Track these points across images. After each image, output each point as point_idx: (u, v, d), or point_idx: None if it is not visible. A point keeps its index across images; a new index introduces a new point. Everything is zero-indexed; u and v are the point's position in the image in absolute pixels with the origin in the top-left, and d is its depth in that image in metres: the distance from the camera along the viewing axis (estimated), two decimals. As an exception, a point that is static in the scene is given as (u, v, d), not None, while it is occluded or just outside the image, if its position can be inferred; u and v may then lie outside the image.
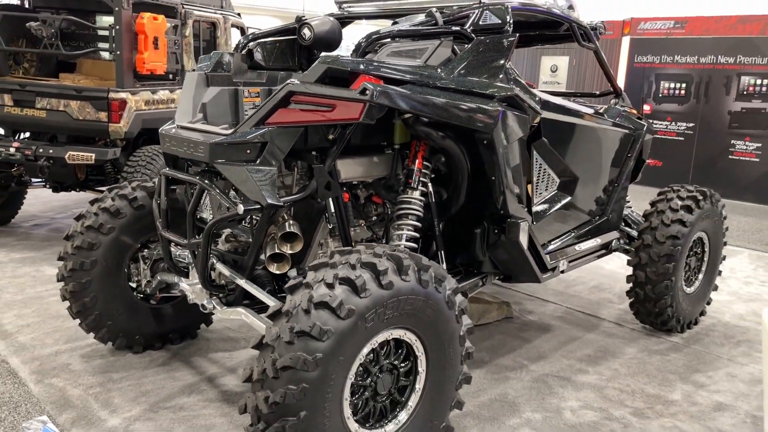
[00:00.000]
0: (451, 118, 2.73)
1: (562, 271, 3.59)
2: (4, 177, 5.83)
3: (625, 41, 11.04)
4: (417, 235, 2.95)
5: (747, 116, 9.71)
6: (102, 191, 6.04)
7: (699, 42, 10.14)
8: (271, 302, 2.67)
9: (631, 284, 4.13)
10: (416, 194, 2.97)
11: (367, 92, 2.50)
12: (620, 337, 4.18)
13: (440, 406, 2.57)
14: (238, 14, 7.48)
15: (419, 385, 2.51)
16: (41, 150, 5.23)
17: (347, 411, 2.28)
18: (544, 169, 3.39)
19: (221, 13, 6.86)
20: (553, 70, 12.08)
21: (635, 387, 3.49)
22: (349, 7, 3.81)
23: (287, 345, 2.12)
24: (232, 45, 6.90)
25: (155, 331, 3.64)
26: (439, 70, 2.81)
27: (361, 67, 2.60)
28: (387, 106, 2.57)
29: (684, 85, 10.32)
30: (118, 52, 5.22)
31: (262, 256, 2.80)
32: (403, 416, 2.49)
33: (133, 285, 3.52)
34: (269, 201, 2.59)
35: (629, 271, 4.16)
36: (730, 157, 9.88)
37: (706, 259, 4.40)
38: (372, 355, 2.36)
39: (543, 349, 3.92)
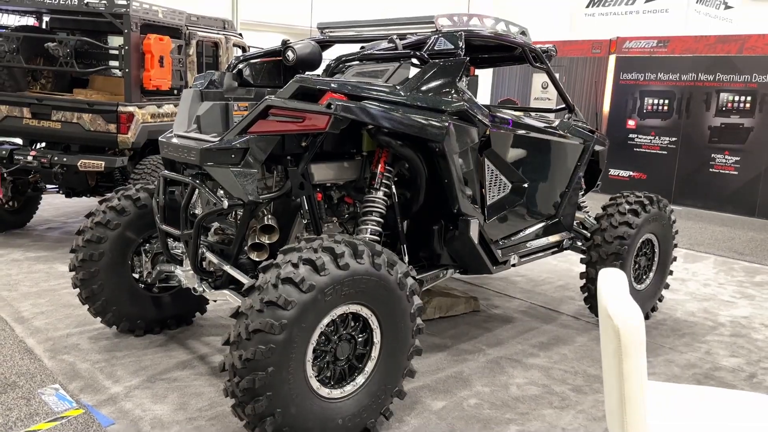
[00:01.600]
0: (406, 129, 3.21)
1: (513, 265, 4.04)
2: (21, 183, 6.36)
3: (612, 59, 11.54)
4: (380, 229, 3.41)
5: (726, 131, 10.15)
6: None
7: (680, 60, 10.62)
8: (241, 278, 3.15)
9: (584, 281, 4.57)
10: (379, 194, 3.44)
11: (332, 106, 2.99)
12: (575, 328, 4.62)
13: (393, 373, 3.02)
14: (240, 34, 8.02)
15: (374, 354, 2.96)
16: (56, 158, 5.75)
17: (310, 371, 2.73)
18: (496, 174, 3.86)
19: (223, 34, 7.40)
20: (543, 87, 12.57)
21: (579, 368, 3.93)
22: (330, 32, 4.31)
23: (258, 313, 2.58)
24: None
25: (155, 317, 4.11)
26: (397, 88, 3.30)
27: (329, 85, 3.09)
28: (350, 118, 3.05)
29: (667, 102, 10.79)
30: (127, 70, 5.74)
31: (246, 247, 3.27)
32: (360, 379, 2.94)
33: (136, 276, 3.99)
34: (250, 198, 3.07)
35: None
36: (710, 170, 10.31)
37: (656, 259, 4.83)
38: (332, 326, 2.81)
39: (501, 336, 4.37)
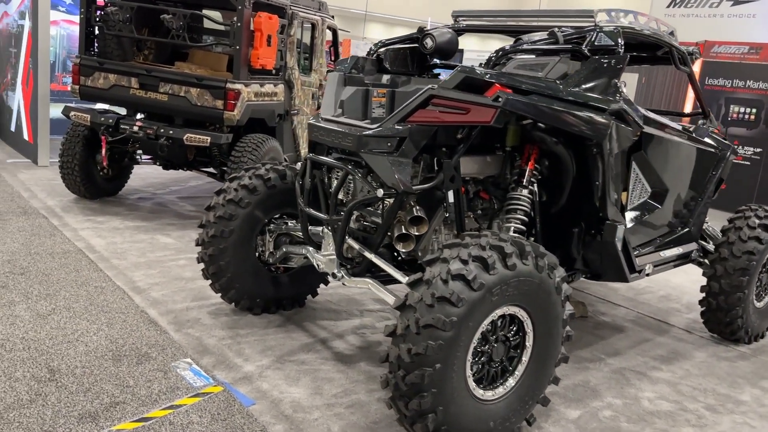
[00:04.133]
0: (567, 126, 3.11)
1: (647, 274, 3.91)
2: (120, 152, 6.44)
3: (697, 63, 11.15)
4: (524, 228, 3.33)
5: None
6: (206, 172, 6.62)
7: (774, 69, 10.22)
8: (397, 274, 3.11)
9: (704, 294, 4.41)
10: (525, 192, 3.35)
11: (500, 100, 2.90)
12: (690, 342, 4.47)
13: (541, 379, 2.95)
14: (332, 16, 7.98)
15: (525, 358, 2.89)
16: (162, 130, 5.80)
17: (469, 370, 2.68)
18: (640, 179, 3.73)
19: (320, 15, 7.36)
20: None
21: (707, 386, 3.80)
22: (464, 20, 4.21)
23: (428, 307, 2.53)
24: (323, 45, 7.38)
25: (273, 296, 4.11)
26: (557, 83, 3.19)
27: (497, 78, 2.99)
28: (514, 112, 2.96)
29: (754, 111, 10.40)
30: (238, 47, 5.74)
31: (393, 237, 3.22)
32: (510, 382, 2.88)
33: (257, 255, 4.00)
34: (404, 188, 3.02)
35: (696, 284, 4.45)
36: (795, 184, 9.93)
37: (777, 276, 4.64)
38: (491, 326, 2.75)
39: (618, 346, 4.25)
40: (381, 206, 3.25)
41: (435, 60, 4.23)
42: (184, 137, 5.73)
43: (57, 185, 6.92)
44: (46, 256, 4.76)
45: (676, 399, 3.59)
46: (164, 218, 6.22)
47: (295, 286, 4.21)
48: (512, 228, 3.32)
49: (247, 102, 5.90)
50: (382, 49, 3.87)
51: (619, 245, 3.49)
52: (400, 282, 3.15)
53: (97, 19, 6.10)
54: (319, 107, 7.77)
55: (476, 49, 22.51)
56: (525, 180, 3.33)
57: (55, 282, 4.29)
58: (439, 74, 4.32)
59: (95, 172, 6.47)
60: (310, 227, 3.65)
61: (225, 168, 6.30)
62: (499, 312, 2.72)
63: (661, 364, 4.04)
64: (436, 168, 3.24)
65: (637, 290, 5.56)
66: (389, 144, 3.04)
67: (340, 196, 3.46)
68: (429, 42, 3.81)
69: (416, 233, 3.16)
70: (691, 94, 11.14)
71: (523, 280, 2.69)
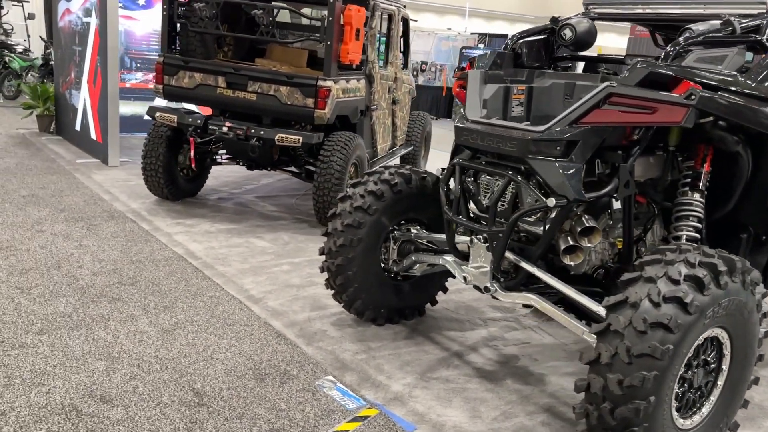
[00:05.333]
0: (759, 125, 2.82)
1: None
2: (202, 153, 6.28)
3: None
4: (698, 236, 3.06)
5: None
6: (290, 171, 6.44)
7: None
8: (571, 292, 2.87)
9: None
10: (697, 196, 3.08)
11: (693, 97, 2.62)
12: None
13: (734, 403, 2.70)
14: (404, 6, 7.72)
15: (721, 382, 2.65)
16: (253, 131, 5.62)
17: (674, 400, 2.44)
18: None
19: (395, 5, 7.11)
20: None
21: None
22: (596, 8, 3.92)
23: (640, 334, 2.29)
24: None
25: (396, 306, 3.92)
26: (741, 78, 2.90)
27: (681, 73, 2.72)
28: (706, 111, 2.68)
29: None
30: (329, 43, 5.52)
31: (560, 249, 2.98)
32: (705, 409, 2.64)
33: (382, 264, 3.79)
34: (576, 196, 2.77)
35: None
36: None
37: None
38: (694, 351, 2.50)
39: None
40: (544, 215, 3.00)
41: (563, 53, 3.97)
42: (276, 137, 5.55)
43: (135, 186, 6.82)
44: (149, 264, 4.63)
45: None
46: (251, 219, 6.06)
47: (417, 294, 4.01)
48: (683, 237, 3.06)
49: (336, 99, 5.69)
50: (519, 43, 3.62)
51: (794, 253, 3.20)
52: (573, 300, 2.90)
53: (180, 16, 5.93)
54: (394, 102, 7.54)
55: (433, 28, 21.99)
56: (701, 183, 3.05)
57: (168, 292, 4.14)
58: (569, 67, 4.05)
59: (177, 173, 6.33)
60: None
61: (311, 167, 6.12)
62: (705, 335, 2.47)
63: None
64: (598, 172, 2.98)
65: None
66: (558, 148, 2.80)
67: (485, 202, 3.22)
68: (568, 33, 3.56)
69: (588, 245, 2.91)
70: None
71: (732, 300, 2.44)
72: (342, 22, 5.60)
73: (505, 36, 19.61)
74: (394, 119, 7.68)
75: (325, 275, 3.82)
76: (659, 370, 2.27)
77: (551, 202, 2.78)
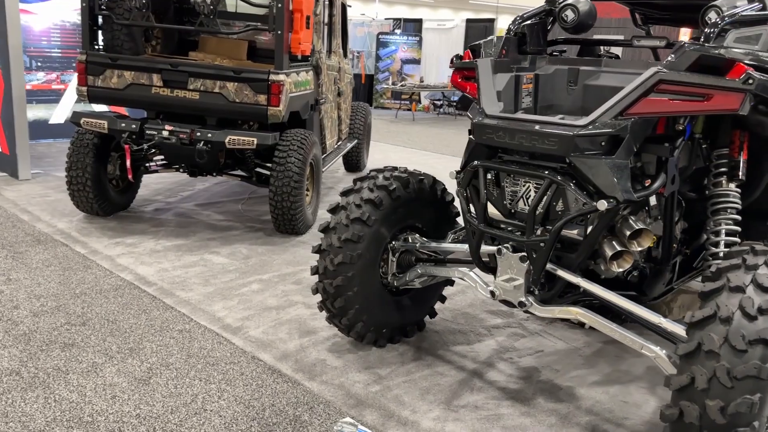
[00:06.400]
0: (804, 108, 2.63)
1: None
2: (138, 160, 5.59)
3: None
4: (738, 229, 2.85)
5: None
6: (238, 176, 5.87)
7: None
8: (627, 304, 2.59)
9: None
10: (733, 186, 2.88)
11: (751, 81, 2.38)
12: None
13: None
14: (342, -9, 7.27)
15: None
16: (198, 134, 5.02)
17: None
18: None
19: (334, -9, 6.65)
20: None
21: None
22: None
23: (739, 353, 2.03)
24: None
25: (398, 324, 3.54)
26: (781, 58, 2.70)
27: (739, 55, 2.47)
28: (762, 96, 2.45)
29: None
30: (279, 32, 4.99)
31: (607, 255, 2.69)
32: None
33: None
34: (626, 196, 2.48)
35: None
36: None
37: None
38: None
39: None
40: (585, 220, 2.68)
41: (556, 36, 3.69)
42: (226, 140, 4.98)
43: (56, 202, 6.03)
44: (96, 296, 3.99)
45: None
46: (199, 232, 5.46)
47: (418, 308, 3.65)
48: (722, 231, 2.84)
49: (290, 94, 5.19)
50: (522, 26, 3.29)
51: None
52: (631, 313, 2.62)
53: (103, 7, 5.20)
54: (339, 93, 7.09)
55: (435, 18, 21.99)
56: (740, 173, 2.84)
57: (129, 330, 3.55)
58: (564, 51, 3.77)
59: (107, 185, 5.61)
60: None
61: (263, 170, 5.60)
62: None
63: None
64: (639, 166, 2.71)
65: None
66: (603, 143, 2.49)
67: (513, 208, 2.88)
68: (570, 14, 3.28)
69: (638, 248, 2.63)
70: None
71: (815, 303, 2.22)
72: (291, 9, 5.09)
73: (419, 21, 19.48)
74: (339, 112, 7.23)
75: (318, 297, 3.37)
76: (763, 391, 2.02)
77: (602, 205, 2.47)
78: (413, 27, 19.17)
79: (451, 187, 3.25)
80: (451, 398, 3.04)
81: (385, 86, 17.75)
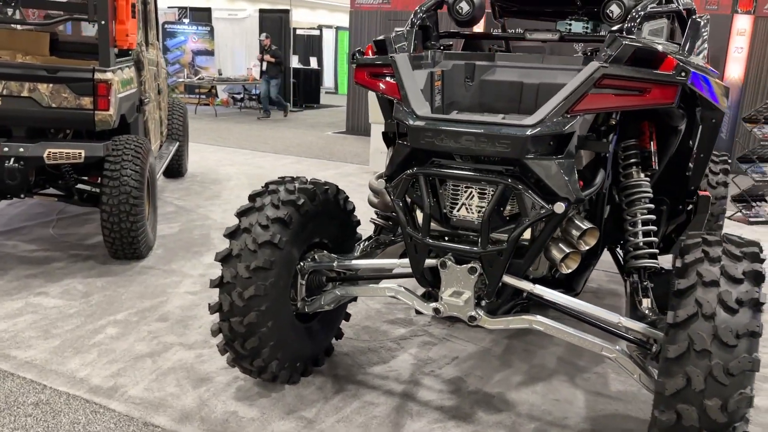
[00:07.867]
0: (712, 98, 2.74)
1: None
2: None
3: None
4: (653, 218, 2.92)
5: None
6: (52, 196, 4.91)
7: None
8: (584, 307, 2.51)
9: None
10: (643, 176, 2.94)
11: (684, 74, 2.40)
12: None
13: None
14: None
15: None
16: (6, 148, 4.02)
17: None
18: None
19: (147, -25, 5.85)
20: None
21: None
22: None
23: (729, 348, 2.02)
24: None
25: (310, 354, 3.15)
26: (684, 51, 2.81)
27: (667, 48, 2.48)
28: (694, 89, 2.49)
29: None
30: (103, 22, 4.18)
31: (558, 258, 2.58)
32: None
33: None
34: (576, 196, 2.39)
35: None
36: None
37: None
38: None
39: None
40: (533, 225, 2.53)
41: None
42: (45, 154, 4.07)
43: None
44: None
45: None
46: (12, 269, 4.43)
47: (327, 332, 3.29)
48: (640, 221, 2.90)
49: (119, 95, 4.40)
50: (424, 19, 3.06)
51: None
52: (589, 315, 2.54)
53: None
54: (159, 91, 6.29)
55: (225, 8, 20.94)
56: (654, 162, 2.91)
57: (-39, 417, 2.69)
58: (451, 45, 3.62)
59: None
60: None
61: (86, 187, 4.72)
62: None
63: None
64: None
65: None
66: (551, 143, 2.37)
67: (454, 217, 2.64)
68: (465, 6, 3.16)
69: (585, 247, 2.56)
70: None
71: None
72: (113, -5, 4.30)
73: (208, 10, 18.38)
74: (159, 112, 6.42)
75: (216, 339, 2.85)
76: (752, 382, 2.04)
77: (559, 207, 2.35)
78: (202, 16, 18.04)
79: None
80: (396, 431, 2.75)
81: (180, 80, 16.48)
